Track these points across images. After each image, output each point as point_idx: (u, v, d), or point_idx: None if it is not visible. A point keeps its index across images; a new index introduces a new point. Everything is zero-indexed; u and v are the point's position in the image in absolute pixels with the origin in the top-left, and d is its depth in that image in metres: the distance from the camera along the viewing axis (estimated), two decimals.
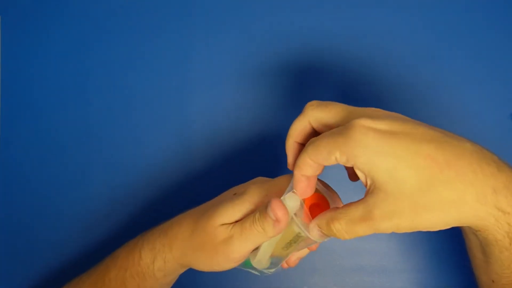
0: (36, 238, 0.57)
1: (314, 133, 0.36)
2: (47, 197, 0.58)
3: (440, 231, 0.57)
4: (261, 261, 0.42)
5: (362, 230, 0.31)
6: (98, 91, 0.59)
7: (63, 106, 0.59)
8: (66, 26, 0.60)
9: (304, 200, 0.36)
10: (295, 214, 0.36)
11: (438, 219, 0.29)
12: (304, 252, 0.43)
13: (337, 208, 0.33)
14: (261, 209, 0.37)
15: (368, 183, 0.30)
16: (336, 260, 0.56)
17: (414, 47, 0.58)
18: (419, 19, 0.59)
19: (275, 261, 0.42)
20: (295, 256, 0.43)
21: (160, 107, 0.59)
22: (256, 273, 0.43)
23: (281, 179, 0.40)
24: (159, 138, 0.58)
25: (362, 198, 0.31)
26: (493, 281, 0.34)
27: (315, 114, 0.35)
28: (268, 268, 0.43)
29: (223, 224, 0.39)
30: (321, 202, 0.37)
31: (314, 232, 0.35)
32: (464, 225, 0.30)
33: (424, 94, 0.57)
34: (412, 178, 0.28)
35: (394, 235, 0.56)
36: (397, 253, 0.56)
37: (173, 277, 0.45)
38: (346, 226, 0.32)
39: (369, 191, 0.30)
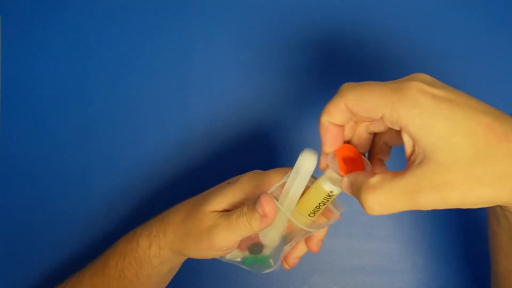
0: (36, 238, 0.57)
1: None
2: (47, 197, 0.58)
3: (439, 231, 0.57)
4: (273, 238, 0.41)
5: (401, 204, 0.28)
6: (98, 91, 0.59)
7: (63, 106, 0.59)
8: (66, 26, 0.60)
9: (335, 152, 0.33)
10: (327, 166, 0.34)
11: (490, 194, 0.26)
12: (303, 250, 0.43)
13: (373, 172, 0.30)
14: (250, 204, 0.37)
15: (417, 150, 0.28)
16: (336, 260, 0.56)
17: (414, 46, 0.58)
18: (419, 18, 0.59)
19: (281, 242, 0.41)
20: (294, 254, 0.43)
21: (160, 107, 0.59)
22: (255, 271, 0.43)
23: (274, 171, 0.40)
24: (159, 138, 0.58)
25: (406, 169, 0.28)
26: None
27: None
28: (268, 262, 0.42)
29: (212, 211, 0.40)
30: (356, 156, 0.34)
31: (345, 186, 0.32)
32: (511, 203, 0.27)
33: None
34: (469, 147, 0.26)
35: (394, 235, 0.56)
36: (397, 253, 0.56)
37: (169, 267, 0.45)
38: (383, 198, 0.28)
39: (416, 161, 0.28)
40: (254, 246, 0.43)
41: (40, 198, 0.58)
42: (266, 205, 0.35)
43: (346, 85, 0.31)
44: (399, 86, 0.28)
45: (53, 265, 0.57)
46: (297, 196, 0.36)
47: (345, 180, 0.32)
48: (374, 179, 0.29)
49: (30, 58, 0.59)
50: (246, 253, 0.43)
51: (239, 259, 0.44)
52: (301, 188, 0.36)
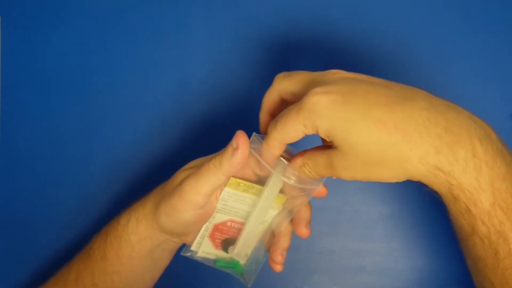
0: (36, 237, 0.57)
1: (285, 104, 0.38)
2: (47, 197, 0.58)
3: (439, 231, 0.57)
4: (240, 254, 0.40)
5: (326, 173, 0.35)
6: (99, 90, 0.59)
7: (63, 106, 0.59)
8: (66, 25, 0.60)
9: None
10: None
11: (388, 174, 0.32)
12: (286, 241, 0.41)
13: (305, 152, 0.37)
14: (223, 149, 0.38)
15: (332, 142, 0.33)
16: (336, 260, 0.56)
17: (414, 46, 0.58)
18: (419, 17, 0.59)
19: (255, 255, 0.41)
20: (279, 248, 0.41)
21: (160, 106, 0.59)
22: (242, 280, 0.42)
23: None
24: (160, 137, 0.58)
25: (328, 149, 0.34)
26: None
27: (282, 85, 0.37)
28: (248, 264, 0.41)
29: (187, 169, 0.40)
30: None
31: (290, 175, 0.37)
32: (414, 179, 0.32)
33: None
34: (363, 142, 0.31)
35: (394, 235, 0.56)
36: (397, 253, 0.56)
37: (149, 248, 0.43)
38: (312, 169, 0.36)
39: (332, 146, 0.33)
40: (229, 242, 0.41)
41: (40, 196, 0.58)
42: (239, 136, 0.36)
43: (270, 124, 0.36)
44: (301, 101, 0.33)
45: (53, 265, 0.57)
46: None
47: (289, 169, 0.37)
48: (305, 157, 0.37)
49: (30, 58, 0.59)
50: (220, 252, 0.42)
51: (212, 257, 0.42)
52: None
